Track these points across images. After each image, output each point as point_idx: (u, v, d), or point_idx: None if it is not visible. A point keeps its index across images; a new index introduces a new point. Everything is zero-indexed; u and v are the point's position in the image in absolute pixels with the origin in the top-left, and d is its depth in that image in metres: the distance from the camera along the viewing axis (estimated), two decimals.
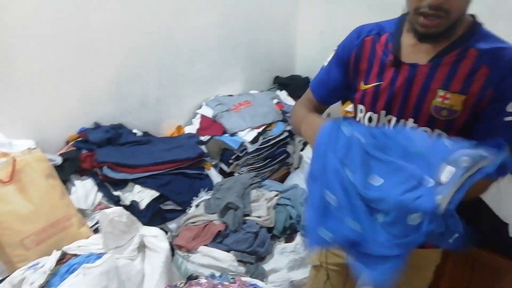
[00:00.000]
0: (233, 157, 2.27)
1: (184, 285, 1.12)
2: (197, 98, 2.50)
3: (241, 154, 2.31)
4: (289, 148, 2.69)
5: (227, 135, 2.34)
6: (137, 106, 2.13)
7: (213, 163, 2.24)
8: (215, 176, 2.14)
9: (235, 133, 2.34)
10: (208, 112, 2.42)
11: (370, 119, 1.05)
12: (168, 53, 2.19)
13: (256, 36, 2.80)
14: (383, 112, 1.02)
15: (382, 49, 1.01)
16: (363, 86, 1.05)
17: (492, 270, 1.38)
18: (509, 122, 0.88)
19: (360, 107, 1.08)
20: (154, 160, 1.89)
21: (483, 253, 1.33)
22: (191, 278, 1.14)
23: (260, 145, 2.40)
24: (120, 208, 1.30)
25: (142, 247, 1.36)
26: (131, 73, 2.04)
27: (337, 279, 1.26)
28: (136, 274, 1.22)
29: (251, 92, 2.78)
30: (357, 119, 1.11)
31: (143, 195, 1.79)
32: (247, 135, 2.34)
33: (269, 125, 2.50)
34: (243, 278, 1.21)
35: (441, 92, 0.92)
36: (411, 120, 0.98)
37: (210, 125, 2.38)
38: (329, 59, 1.12)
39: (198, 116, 2.45)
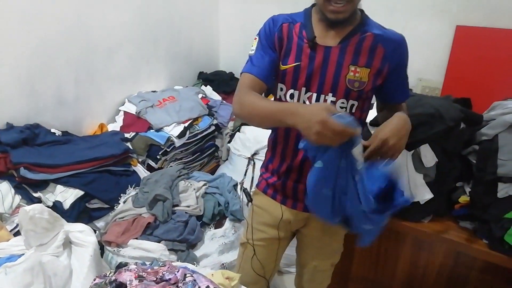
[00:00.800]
0: (160, 153, 2.28)
1: (114, 274, 1.13)
2: (119, 95, 2.46)
3: (168, 149, 2.32)
4: (218, 142, 2.76)
5: (152, 130, 2.33)
6: (53, 104, 2.04)
7: (140, 159, 2.23)
8: (142, 172, 2.14)
9: (161, 128, 2.35)
10: (132, 109, 2.40)
11: (291, 96, 1.17)
12: (84, 48, 2.13)
13: (177, 33, 2.83)
14: (303, 89, 1.15)
15: (298, 35, 1.14)
16: (282, 67, 1.16)
17: (395, 233, 1.58)
18: (406, 83, 1.23)
19: (281, 85, 1.19)
20: (76, 159, 1.83)
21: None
22: (120, 266, 1.16)
23: (188, 140, 2.43)
24: (41, 204, 1.26)
25: (67, 243, 1.33)
26: (44, 68, 1.94)
27: (263, 253, 1.36)
28: (63, 269, 1.20)
29: (176, 87, 2.80)
30: (277, 97, 1.22)
31: (67, 195, 1.73)
32: (174, 130, 2.36)
33: (196, 119, 2.54)
34: (174, 263, 1.25)
35: (352, 67, 1.10)
36: (330, 95, 1.13)
37: (134, 121, 2.36)
38: (254, 47, 1.18)
39: (121, 113, 2.42)
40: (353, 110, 1.15)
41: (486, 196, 1.29)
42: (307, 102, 1.15)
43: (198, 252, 1.61)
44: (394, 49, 1.11)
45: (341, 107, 1.13)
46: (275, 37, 1.15)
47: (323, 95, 1.13)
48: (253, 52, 1.17)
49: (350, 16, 1.07)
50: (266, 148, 1.36)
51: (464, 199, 1.40)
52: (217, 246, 1.64)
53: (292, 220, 1.31)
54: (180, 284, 1.08)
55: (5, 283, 1.07)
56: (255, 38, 1.19)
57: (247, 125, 2.54)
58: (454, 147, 1.42)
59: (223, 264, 1.61)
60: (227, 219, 1.76)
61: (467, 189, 1.42)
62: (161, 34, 2.68)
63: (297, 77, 1.13)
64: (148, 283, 1.08)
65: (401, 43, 1.12)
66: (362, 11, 1.15)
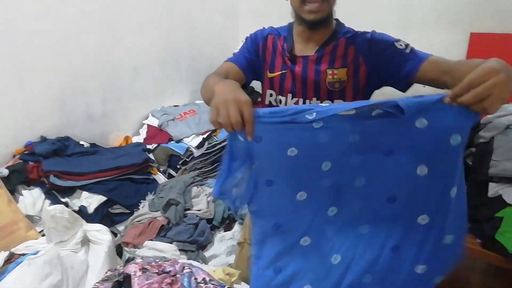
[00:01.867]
0: (180, 162, 2.43)
1: (123, 267, 1.26)
2: (144, 111, 2.66)
3: (187, 159, 2.47)
4: None
5: (173, 142, 2.49)
6: (82, 120, 2.25)
7: (162, 169, 2.38)
8: (162, 180, 2.28)
9: (181, 139, 2.50)
10: (154, 122, 2.58)
11: (280, 101, 1.27)
12: (110, 71, 2.35)
13: (198, 52, 3.01)
14: (289, 95, 1.25)
15: (282, 47, 1.24)
16: (269, 75, 1.27)
17: None
18: (412, 51, 1.09)
19: (270, 91, 1.29)
20: (100, 168, 2.00)
21: None
22: (129, 260, 1.28)
23: (206, 150, 2.57)
24: (61, 205, 1.41)
25: (86, 241, 1.48)
26: (74, 90, 2.17)
27: None
28: (80, 263, 1.34)
29: (197, 102, 2.96)
30: (267, 102, 1.32)
31: (91, 200, 1.90)
32: (193, 141, 2.50)
33: (214, 131, 2.68)
34: (180, 260, 1.36)
35: (329, 71, 1.18)
36: (314, 99, 1.22)
37: (156, 134, 2.53)
38: (239, 47, 1.28)
39: (145, 127, 2.60)
40: None
41: (478, 196, 1.31)
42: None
43: (207, 253, 1.72)
44: (363, 41, 1.16)
45: None
46: (260, 45, 1.26)
47: (308, 100, 1.22)
48: (237, 50, 1.27)
49: (327, 18, 1.14)
50: None
51: None
52: (225, 248, 1.74)
53: None
54: (178, 275, 1.19)
55: (28, 273, 1.22)
56: (243, 40, 1.29)
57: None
58: None
59: (230, 264, 1.69)
60: (236, 223, 1.86)
61: None
62: (183, 54, 2.88)
63: (283, 84, 1.23)
64: (150, 274, 1.19)
65: (370, 34, 1.17)
66: (337, 20, 1.23)
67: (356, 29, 1.22)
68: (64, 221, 1.40)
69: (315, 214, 0.85)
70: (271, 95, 1.29)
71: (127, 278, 1.22)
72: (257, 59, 1.27)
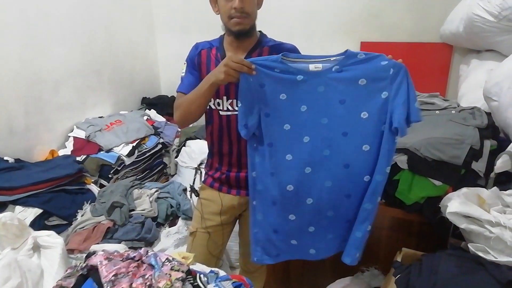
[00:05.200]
0: (112, 172, 2.46)
1: (84, 262, 1.32)
2: (68, 123, 2.62)
3: (119, 168, 2.51)
4: (165, 160, 2.98)
5: (103, 152, 2.51)
6: (4, 134, 2.17)
7: (93, 180, 2.39)
8: (96, 191, 2.30)
9: (111, 149, 2.54)
10: (80, 134, 2.57)
11: (218, 104, 1.46)
12: (32, 83, 2.31)
13: (119, 63, 3.07)
14: (224, 97, 1.44)
15: (215, 57, 1.44)
16: None
17: None
18: None
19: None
20: (32, 181, 1.97)
21: None
22: (89, 255, 1.35)
23: (137, 158, 2.63)
24: (10, 212, 1.42)
25: (37, 248, 1.48)
26: None
27: (216, 235, 1.60)
28: (36, 267, 1.36)
29: (121, 112, 3.00)
30: (207, 108, 1.50)
31: (26, 214, 1.86)
32: (123, 150, 2.55)
33: (143, 139, 2.76)
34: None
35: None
36: None
37: (84, 145, 2.53)
38: (184, 69, 1.49)
39: (71, 139, 2.57)
40: None
41: None
42: (229, 107, 1.44)
43: (156, 248, 1.82)
44: (284, 51, 1.38)
45: None
46: (195, 61, 1.47)
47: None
48: (183, 74, 1.49)
49: (250, 30, 1.39)
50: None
51: None
52: (172, 241, 1.86)
53: (236, 204, 1.57)
54: (144, 258, 1.30)
55: None
56: (184, 63, 1.50)
57: (192, 139, 2.79)
58: None
59: None
60: (180, 218, 1.99)
61: None
62: (104, 65, 2.91)
63: (218, 89, 1.42)
64: (116, 261, 1.28)
65: (291, 49, 1.43)
66: (260, 31, 1.49)
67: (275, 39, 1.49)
68: (13, 229, 1.40)
69: (295, 139, 1.26)
70: (210, 100, 1.47)
71: (91, 270, 1.29)
72: (198, 74, 1.47)
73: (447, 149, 1.46)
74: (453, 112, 1.67)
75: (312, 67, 1.20)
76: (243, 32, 1.37)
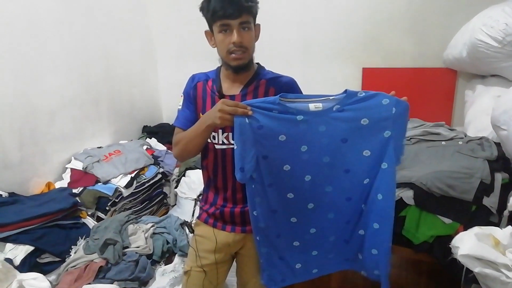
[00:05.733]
0: (109, 204, 2.39)
1: None
2: (65, 154, 2.58)
3: (117, 200, 2.44)
4: (166, 189, 2.91)
5: (100, 183, 2.45)
6: None
7: (90, 212, 2.32)
8: (92, 224, 2.22)
9: (108, 180, 2.47)
10: (78, 165, 2.51)
11: (213, 137, 1.41)
12: (26, 114, 2.27)
13: (118, 92, 3.05)
14: (220, 131, 1.39)
15: (211, 89, 1.40)
16: (202, 116, 1.41)
17: None
18: None
19: None
20: (24, 216, 1.90)
21: None
22: None
23: (135, 189, 2.57)
24: None
25: None
26: None
27: (212, 274, 1.52)
28: None
29: (121, 142, 2.95)
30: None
31: (16, 252, 1.79)
32: (121, 181, 2.49)
33: (142, 169, 2.70)
34: None
35: None
36: None
37: (81, 177, 2.47)
38: (181, 103, 1.47)
39: (68, 171, 2.52)
40: None
41: None
42: (225, 141, 1.39)
43: None
44: (284, 87, 1.37)
45: None
46: (191, 94, 1.44)
47: None
48: (180, 107, 1.46)
49: (249, 63, 1.35)
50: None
51: None
52: (167, 280, 1.76)
53: (231, 242, 1.49)
54: None
55: None
56: (181, 96, 1.47)
57: (192, 169, 2.73)
58: None
59: None
60: (176, 255, 1.90)
61: None
62: (102, 94, 2.88)
63: None
64: None
65: (289, 83, 1.40)
66: (258, 63, 1.45)
67: (269, 68, 1.44)
68: None
69: (296, 179, 1.25)
70: (208, 138, 1.43)
71: None
72: (194, 107, 1.44)
73: (455, 183, 1.38)
74: (460, 143, 1.60)
75: (312, 106, 1.19)
76: (241, 66, 1.34)
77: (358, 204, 1.30)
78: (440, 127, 1.74)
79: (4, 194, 2.09)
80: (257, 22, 1.37)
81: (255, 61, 1.44)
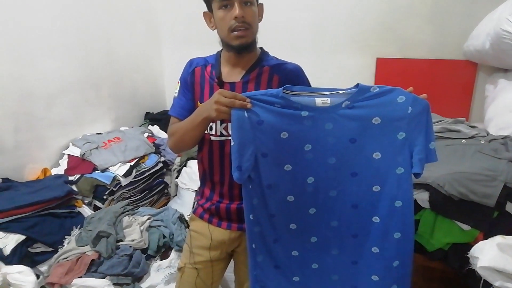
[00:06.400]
0: (107, 193, 2.31)
1: None
2: (62, 139, 2.49)
3: (115, 189, 2.35)
4: (167, 179, 2.82)
5: (98, 171, 2.36)
6: None
7: (86, 201, 2.24)
8: (88, 213, 2.14)
9: (106, 168, 2.39)
10: (76, 152, 2.43)
11: (211, 128, 1.30)
12: (22, 99, 2.17)
13: (119, 77, 2.94)
14: (218, 122, 1.28)
15: (209, 75, 1.29)
16: (199, 104, 1.31)
17: None
18: None
19: None
20: (16, 204, 1.82)
21: None
22: None
23: (135, 178, 2.48)
24: None
25: (6, 286, 1.33)
26: None
27: (205, 273, 1.43)
28: None
29: (122, 129, 2.86)
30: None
31: (7, 241, 1.71)
32: (119, 169, 2.40)
33: (142, 157, 2.60)
34: None
35: None
36: None
37: (78, 164, 2.38)
38: (177, 89, 1.36)
39: (65, 157, 2.43)
40: None
41: None
42: (223, 132, 1.28)
43: (144, 285, 1.64)
44: (289, 76, 1.26)
45: None
46: (189, 80, 1.33)
47: None
48: (176, 94, 1.35)
49: (252, 44, 1.23)
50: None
51: None
52: (162, 277, 1.68)
53: (227, 240, 1.40)
54: None
55: None
56: (178, 82, 1.36)
57: (194, 159, 2.63)
58: None
59: None
60: (173, 250, 1.81)
61: None
62: (103, 78, 2.77)
63: None
64: None
65: (295, 71, 1.28)
66: (261, 48, 1.33)
67: (277, 57, 1.32)
68: None
69: (297, 181, 1.12)
70: (204, 131, 1.32)
71: None
72: (191, 95, 1.33)
73: (476, 187, 1.26)
74: (482, 142, 1.47)
75: (319, 101, 1.07)
76: (244, 46, 1.21)
77: (366, 214, 1.15)
78: (460, 123, 1.61)
79: None
80: (260, 1, 1.25)
81: (259, 46, 1.32)
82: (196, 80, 1.31)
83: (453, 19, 2.52)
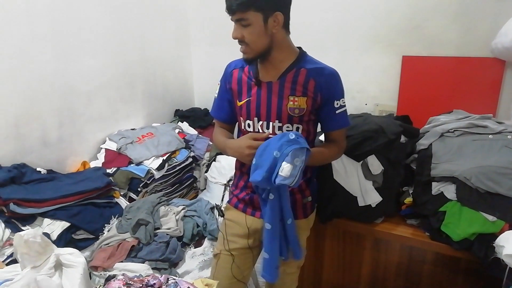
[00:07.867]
0: (141, 185, 2.43)
1: (103, 286, 1.26)
2: (100, 134, 2.63)
3: (148, 182, 2.48)
4: (196, 173, 2.92)
5: (133, 165, 2.49)
6: (38, 146, 2.19)
7: (122, 193, 2.36)
8: (124, 204, 2.27)
9: (141, 162, 2.51)
10: (112, 146, 2.56)
11: (248, 125, 1.39)
12: (65, 95, 2.32)
13: (152, 75, 3.06)
14: (255, 119, 1.37)
15: (247, 76, 1.38)
16: (238, 103, 1.41)
17: (356, 235, 1.77)
18: (338, 114, 1.37)
19: (241, 118, 1.44)
20: (61, 193, 1.96)
21: (347, 222, 1.72)
22: (109, 279, 1.29)
23: (167, 172, 2.60)
24: (33, 229, 1.39)
25: (59, 265, 1.45)
26: (29, 115, 2.12)
27: (240, 259, 1.52)
28: (56, 287, 1.32)
29: (154, 125, 2.99)
30: (242, 127, 1.45)
31: (54, 227, 1.85)
32: (153, 163, 2.52)
33: (173, 152, 2.72)
34: (157, 275, 1.39)
35: (291, 97, 1.33)
36: (277, 121, 1.35)
37: (115, 157, 2.52)
38: (217, 91, 1.49)
39: (103, 151, 2.57)
40: (300, 132, 1.37)
41: (423, 195, 1.50)
42: (260, 130, 1.37)
43: (180, 270, 1.75)
44: (325, 81, 1.32)
45: (287, 130, 1.36)
46: (227, 82, 1.44)
47: (271, 122, 1.35)
48: (216, 95, 1.49)
49: (260, 55, 1.31)
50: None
51: (408, 200, 1.61)
52: (197, 263, 1.78)
53: (260, 228, 1.48)
54: (163, 287, 1.22)
55: None
56: (218, 84, 1.48)
57: (222, 154, 2.73)
58: (396, 156, 1.65)
59: (206, 278, 1.73)
60: (206, 239, 1.91)
61: (411, 192, 1.64)
62: (137, 76, 2.91)
63: (249, 110, 1.37)
64: None
65: (331, 76, 1.34)
66: (300, 48, 1.39)
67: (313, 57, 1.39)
68: (36, 246, 1.37)
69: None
70: (242, 120, 1.43)
71: None
72: (230, 96, 1.45)
73: (503, 180, 1.30)
74: (509, 137, 1.50)
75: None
76: (247, 61, 1.34)
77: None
78: (487, 119, 1.64)
79: (43, 171, 2.16)
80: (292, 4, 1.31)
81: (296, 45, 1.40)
82: (234, 81, 1.41)
83: (480, 16, 2.52)
